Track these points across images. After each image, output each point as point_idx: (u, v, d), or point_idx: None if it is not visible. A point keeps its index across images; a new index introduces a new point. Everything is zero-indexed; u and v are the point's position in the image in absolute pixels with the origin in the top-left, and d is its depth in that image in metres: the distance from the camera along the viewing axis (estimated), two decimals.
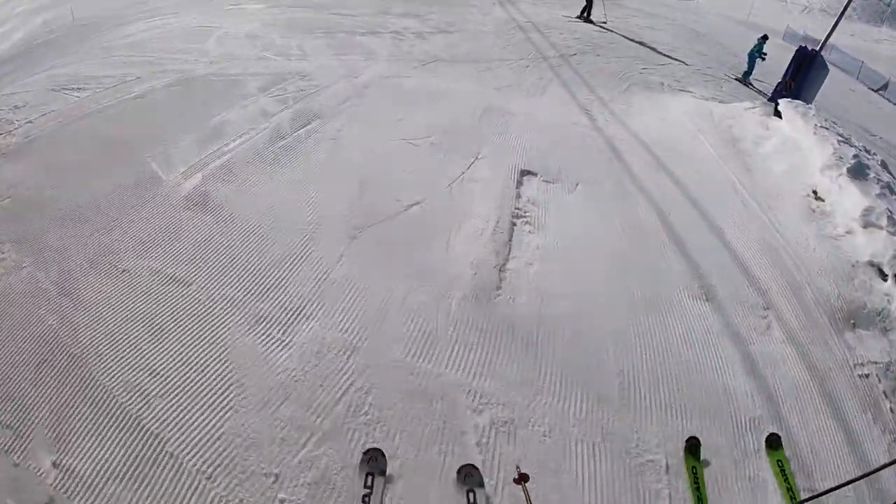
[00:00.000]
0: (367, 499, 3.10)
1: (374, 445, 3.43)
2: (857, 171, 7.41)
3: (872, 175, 7.47)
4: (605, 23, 14.79)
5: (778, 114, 9.53)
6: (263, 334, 4.06)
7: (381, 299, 4.44)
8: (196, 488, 3.22)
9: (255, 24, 11.23)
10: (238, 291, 4.37)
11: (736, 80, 12.85)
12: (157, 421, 3.49)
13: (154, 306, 4.17)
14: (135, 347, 3.87)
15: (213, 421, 3.52)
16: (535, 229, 5.63)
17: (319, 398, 3.69)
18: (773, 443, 4.11)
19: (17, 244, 4.58)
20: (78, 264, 4.49)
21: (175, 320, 4.08)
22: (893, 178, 7.90)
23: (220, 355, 3.87)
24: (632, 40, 14.26)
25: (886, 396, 4.85)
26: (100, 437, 3.38)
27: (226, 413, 3.56)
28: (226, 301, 4.27)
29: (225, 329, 4.05)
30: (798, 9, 27.32)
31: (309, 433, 3.50)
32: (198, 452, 3.37)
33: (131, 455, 3.32)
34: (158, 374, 3.73)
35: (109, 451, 3.33)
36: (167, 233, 4.90)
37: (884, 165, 8.34)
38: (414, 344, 4.13)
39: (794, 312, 5.49)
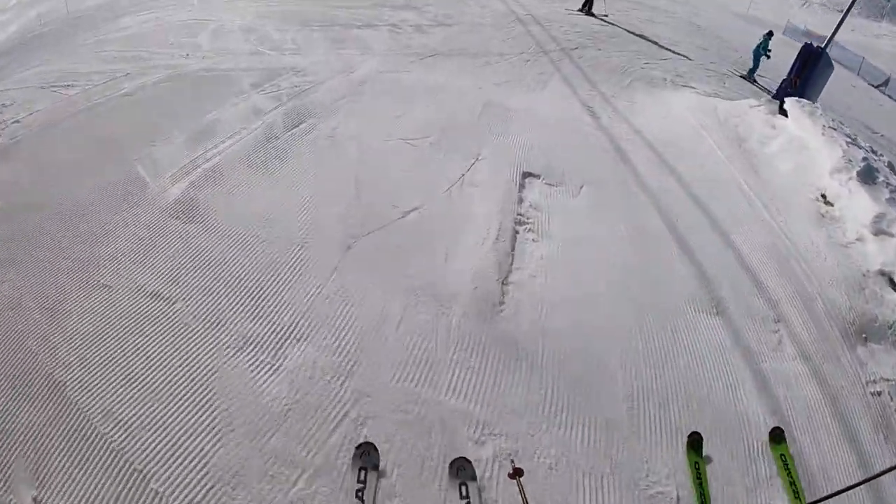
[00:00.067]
0: (360, 493, 3.04)
1: (367, 440, 3.31)
2: (867, 175, 7.12)
3: (882, 179, 7.18)
4: (606, 16, 14.38)
5: (783, 112, 9.22)
6: (252, 358, 3.75)
7: (376, 317, 4.13)
8: None
9: (250, 17, 10.82)
10: (225, 310, 4.06)
11: (741, 77, 12.49)
12: (141, 455, 3.19)
13: (136, 327, 3.86)
14: (116, 373, 3.56)
15: (200, 456, 3.22)
16: (538, 237, 5.32)
17: (311, 430, 3.40)
18: (777, 437, 3.98)
19: None
20: (58, 278, 4.17)
21: (158, 343, 3.76)
22: None
23: (205, 382, 3.57)
24: (633, 33, 13.87)
25: None
26: (82, 472, 3.09)
27: (213, 447, 3.26)
28: (212, 321, 3.96)
29: (211, 353, 3.74)
30: (798, 3, 26.85)
31: (300, 469, 3.21)
32: (184, 490, 3.08)
33: (115, 492, 3.03)
34: (141, 402, 3.42)
35: (92, 488, 3.04)
36: (152, 244, 4.57)
37: (891, 167, 8.05)
38: (412, 368, 3.83)
39: (805, 326, 5.22)
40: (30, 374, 3.50)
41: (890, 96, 17.51)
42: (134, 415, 3.35)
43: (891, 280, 5.89)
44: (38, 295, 4.01)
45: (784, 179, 7.46)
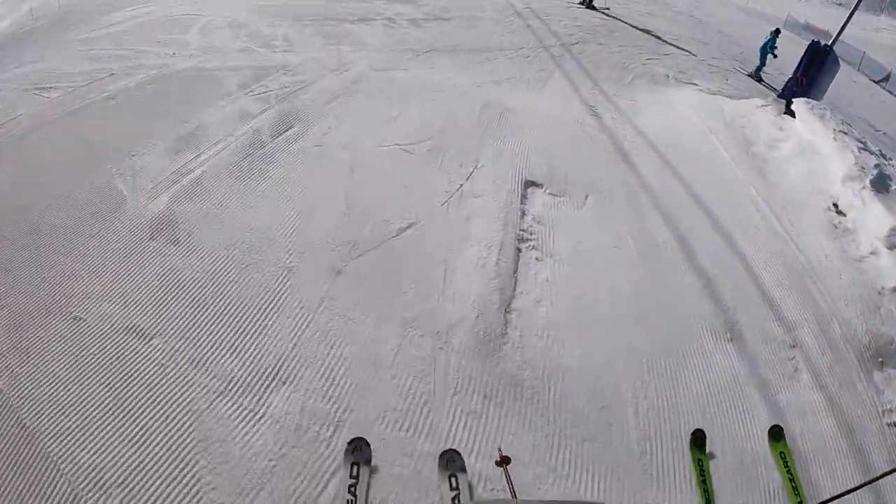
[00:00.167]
0: (353, 488, 2.99)
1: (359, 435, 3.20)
2: (880, 184, 6.73)
3: (895, 187, 6.81)
4: (607, 9, 13.84)
5: (790, 112, 8.80)
6: (233, 404, 3.35)
7: (368, 356, 3.72)
8: None
9: (241, 12, 10.26)
10: (205, 347, 3.64)
11: (748, 75, 12.01)
12: None
13: (110, 367, 3.45)
14: (90, 421, 3.16)
15: None
16: (542, 255, 4.91)
17: (300, 489, 3.01)
18: (776, 435, 3.88)
19: None
20: (27, 307, 3.74)
21: (133, 386, 3.36)
22: None
23: (184, 433, 3.17)
24: (634, 27, 13.34)
25: None
26: None
27: None
28: (191, 360, 3.55)
29: (190, 398, 3.34)
30: None
31: None
32: None
33: None
34: (117, 455, 3.03)
35: None
36: (128, 270, 4.14)
37: None
38: (408, 414, 3.43)
39: (821, 351, 4.86)
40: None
41: (890, 92, 17.04)
42: (110, 471, 2.96)
43: None
44: (9, 326, 3.59)
45: (794, 186, 7.06)
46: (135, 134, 5.83)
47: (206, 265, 4.25)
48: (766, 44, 11.66)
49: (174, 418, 3.24)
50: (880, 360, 4.97)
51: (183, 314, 3.85)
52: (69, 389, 3.30)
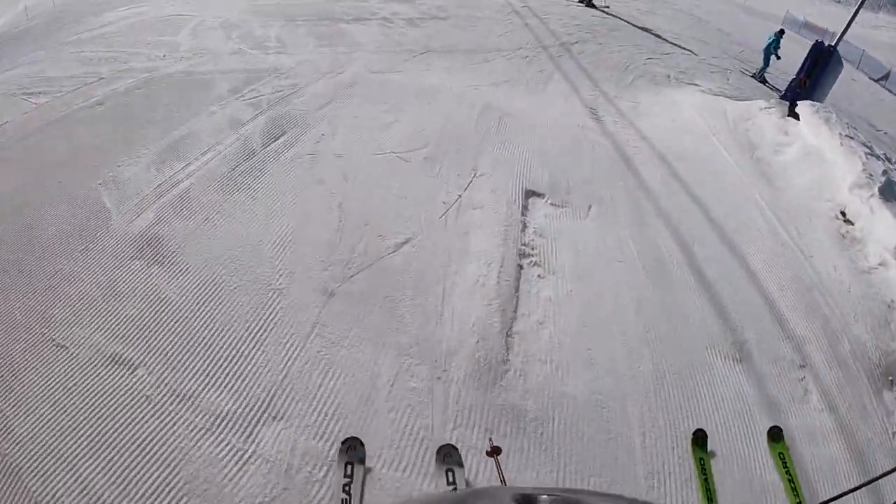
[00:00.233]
0: (347, 487, 2.96)
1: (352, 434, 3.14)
2: (889, 192, 6.51)
3: None
4: (607, 7, 13.55)
5: (794, 114, 8.58)
6: (221, 442, 3.11)
7: (363, 387, 3.47)
8: None
9: (234, 12, 9.98)
10: (191, 379, 3.39)
11: (751, 76, 11.75)
12: None
13: (93, 400, 3.19)
14: (73, 461, 2.91)
15: None
16: (545, 272, 4.67)
17: None
18: (775, 435, 3.81)
19: None
20: (8, 334, 3.48)
21: (118, 422, 3.10)
22: None
23: (171, 474, 2.92)
24: (633, 26, 13.08)
25: None
26: None
27: None
28: (177, 393, 3.30)
29: (176, 435, 3.09)
30: None
31: None
32: None
33: None
34: (102, 498, 2.79)
35: None
36: (113, 293, 3.87)
37: None
38: (405, 453, 3.19)
39: (831, 370, 4.64)
40: None
41: (890, 90, 16.82)
42: None
43: None
44: None
45: (801, 193, 6.83)
46: (121, 142, 5.57)
47: (193, 287, 3.99)
48: (769, 45, 11.39)
49: (160, 457, 3.00)
50: (890, 378, 4.76)
51: (168, 342, 3.59)
52: (52, 426, 3.05)
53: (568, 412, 3.63)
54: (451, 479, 3.05)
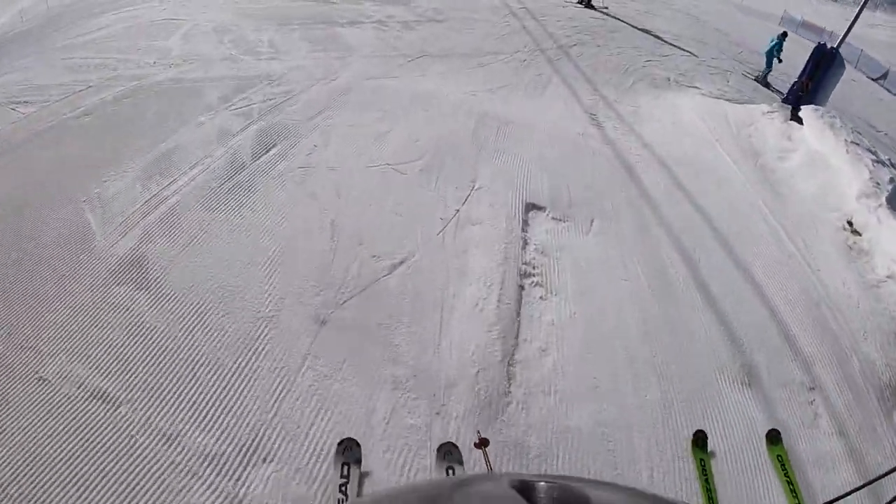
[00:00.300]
0: (343, 487, 2.91)
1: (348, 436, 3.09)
2: None
3: None
4: (606, 8, 13.30)
5: (797, 118, 8.37)
6: (209, 486, 2.88)
7: (357, 425, 3.24)
8: None
9: (228, 15, 9.69)
10: (177, 417, 3.16)
11: (754, 80, 11.52)
12: None
13: (75, 440, 2.95)
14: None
15: None
16: (547, 293, 4.45)
17: None
18: (774, 438, 3.78)
19: None
20: None
21: (100, 465, 2.86)
22: None
23: None
24: (632, 27, 12.84)
25: None
26: None
27: None
28: (161, 433, 3.06)
29: (161, 479, 2.86)
30: None
31: None
32: None
33: None
34: None
35: None
36: (96, 321, 3.62)
37: None
38: None
39: (840, 392, 4.44)
40: None
41: (889, 90, 16.61)
42: None
43: None
44: None
45: (806, 202, 6.63)
46: (108, 156, 5.33)
47: (178, 315, 3.75)
48: (772, 48, 11.15)
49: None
50: None
51: (153, 376, 3.36)
52: (32, 468, 2.82)
53: (572, 447, 3.42)
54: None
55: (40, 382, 3.25)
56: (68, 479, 2.78)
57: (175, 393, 3.31)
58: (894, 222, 6.02)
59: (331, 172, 5.42)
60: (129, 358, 3.46)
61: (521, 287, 4.39)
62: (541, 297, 4.35)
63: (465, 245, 4.72)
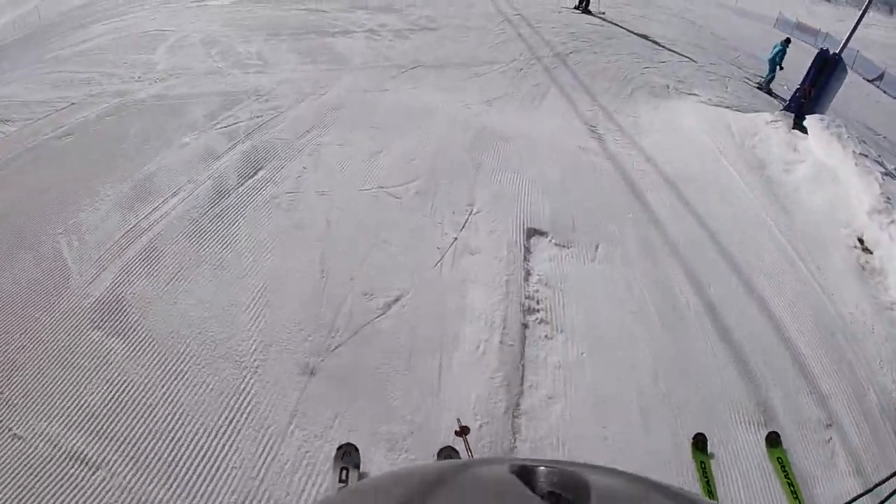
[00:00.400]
0: None
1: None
2: None
3: None
4: (603, 13, 13.00)
5: (801, 127, 8.10)
6: None
7: None
8: None
9: (216, 25, 9.35)
10: (157, 484, 2.82)
11: (758, 87, 11.25)
12: None
13: None
14: None
15: None
16: (552, 331, 4.13)
17: None
18: (773, 441, 3.73)
19: None
20: None
21: None
22: None
23: None
24: (629, 31, 12.54)
25: None
26: None
27: None
28: (141, 502, 2.75)
29: None
30: None
31: None
32: None
33: None
34: None
35: None
36: (71, 372, 3.29)
37: None
38: None
39: (858, 428, 4.16)
40: None
41: (885, 91, 16.42)
42: None
43: None
44: None
45: (815, 218, 6.35)
46: (86, 181, 5.00)
47: (157, 366, 3.42)
48: (774, 55, 10.87)
49: None
50: None
51: (131, 436, 3.03)
52: None
53: None
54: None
55: (14, 439, 2.94)
56: None
57: (154, 456, 2.98)
58: None
59: (320, 198, 5.08)
60: (106, 414, 3.14)
61: (525, 325, 4.08)
62: (546, 336, 4.03)
63: (463, 278, 4.40)
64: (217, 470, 2.97)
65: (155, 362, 3.48)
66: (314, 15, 10.22)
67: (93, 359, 3.42)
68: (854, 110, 13.32)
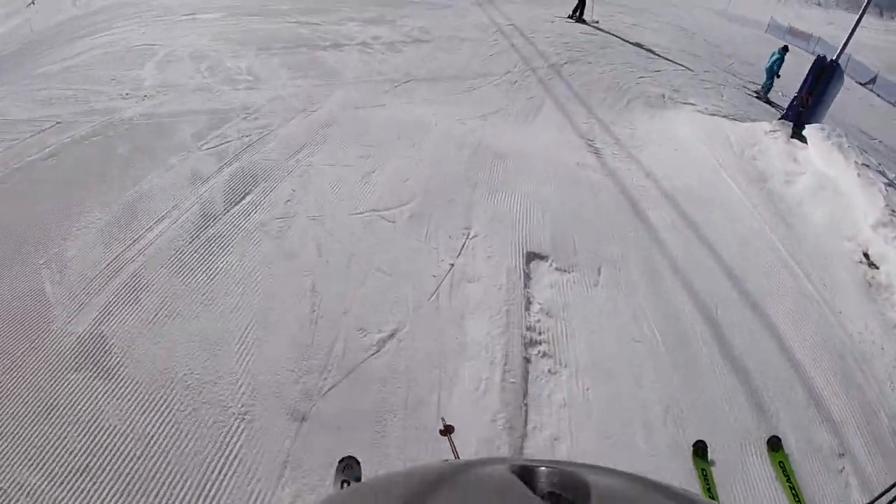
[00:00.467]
0: None
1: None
2: None
3: None
4: (597, 22, 12.85)
5: (799, 136, 7.95)
6: None
7: None
8: None
9: (206, 40, 9.13)
10: None
11: (756, 97, 11.11)
12: None
13: None
14: None
15: None
16: (556, 365, 3.92)
17: None
18: (775, 445, 3.71)
19: None
20: None
21: None
22: None
23: None
24: (623, 40, 12.40)
25: None
26: None
27: None
28: None
29: None
30: None
31: None
32: None
33: None
34: None
35: None
36: (51, 418, 3.06)
37: None
38: None
39: (870, 455, 3.98)
40: None
41: (878, 94, 16.34)
42: None
43: None
44: None
45: (819, 233, 6.18)
46: (70, 207, 4.78)
47: (140, 412, 3.20)
48: (772, 63, 10.73)
49: None
50: None
51: (113, 493, 2.81)
52: None
53: None
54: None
55: None
56: None
57: None
58: None
59: (311, 223, 4.87)
60: (86, 467, 2.92)
61: (527, 359, 3.86)
62: (549, 371, 3.82)
63: (461, 309, 4.19)
64: None
65: (138, 408, 3.25)
66: (305, 28, 10.01)
67: (75, 405, 3.20)
68: (849, 115, 13.24)
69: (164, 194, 5.10)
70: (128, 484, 2.85)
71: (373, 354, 3.68)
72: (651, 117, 8.73)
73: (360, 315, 3.96)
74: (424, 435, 3.27)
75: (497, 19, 11.96)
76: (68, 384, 3.33)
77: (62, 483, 2.80)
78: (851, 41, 8.77)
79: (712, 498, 3.28)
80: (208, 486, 2.92)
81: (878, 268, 5.74)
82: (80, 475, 2.85)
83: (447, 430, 2.56)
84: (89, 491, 2.77)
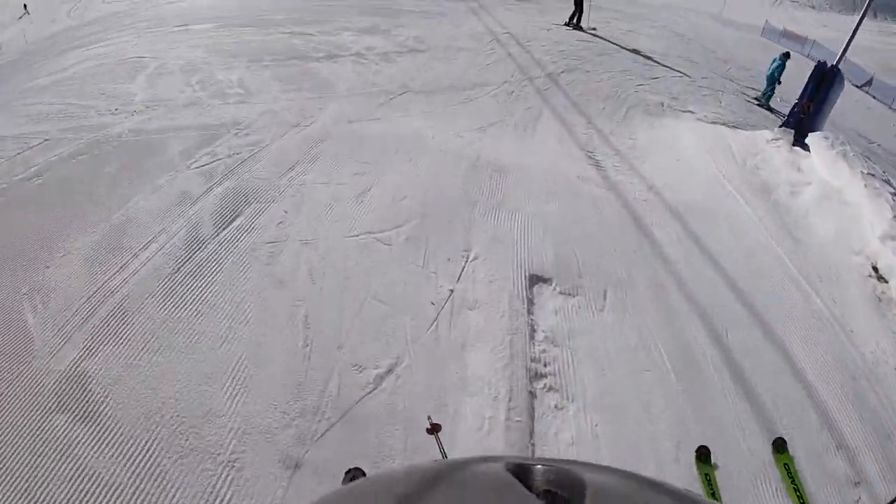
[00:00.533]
0: None
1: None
2: None
3: None
4: (594, 29, 12.68)
5: (801, 144, 7.79)
6: None
7: None
8: None
9: (198, 52, 8.95)
10: None
11: (758, 104, 10.95)
12: None
13: None
14: None
15: None
16: (562, 399, 3.71)
17: None
18: (780, 447, 3.65)
19: None
20: None
21: None
22: None
23: None
24: (620, 47, 12.24)
25: None
26: None
27: None
28: None
29: None
30: (769, 1, 25.20)
31: None
32: None
33: None
34: None
35: None
36: (33, 466, 2.89)
37: None
38: None
39: (885, 481, 3.81)
40: None
41: (874, 97, 16.22)
42: None
43: None
44: None
45: (827, 246, 6.00)
46: (54, 232, 4.60)
47: (125, 459, 2.99)
48: (773, 70, 10.57)
49: None
50: None
51: None
52: None
53: None
54: None
55: None
56: None
57: None
58: None
59: (304, 248, 4.65)
60: None
61: (532, 394, 3.65)
62: (556, 406, 3.61)
63: (462, 339, 3.98)
64: None
65: (123, 454, 3.05)
66: (298, 38, 9.81)
67: (56, 449, 3.03)
68: (847, 118, 13.10)
69: (151, 217, 4.89)
70: None
71: (369, 393, 3.47)
72: (651, 126, 8.54)
73: (355, 349, 3.75)
74: None
75: (493, 28, 11.78)
76: (51, 427, 3.15)
77: None
78: (845, 42, 8.61)
79: (716, 499, 3.22)
80: None
81: (887, 282, 5.56)
82: None
83: (434, 429, 2.51)
84: None
